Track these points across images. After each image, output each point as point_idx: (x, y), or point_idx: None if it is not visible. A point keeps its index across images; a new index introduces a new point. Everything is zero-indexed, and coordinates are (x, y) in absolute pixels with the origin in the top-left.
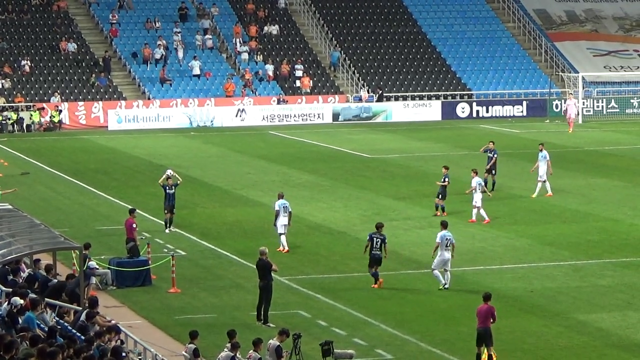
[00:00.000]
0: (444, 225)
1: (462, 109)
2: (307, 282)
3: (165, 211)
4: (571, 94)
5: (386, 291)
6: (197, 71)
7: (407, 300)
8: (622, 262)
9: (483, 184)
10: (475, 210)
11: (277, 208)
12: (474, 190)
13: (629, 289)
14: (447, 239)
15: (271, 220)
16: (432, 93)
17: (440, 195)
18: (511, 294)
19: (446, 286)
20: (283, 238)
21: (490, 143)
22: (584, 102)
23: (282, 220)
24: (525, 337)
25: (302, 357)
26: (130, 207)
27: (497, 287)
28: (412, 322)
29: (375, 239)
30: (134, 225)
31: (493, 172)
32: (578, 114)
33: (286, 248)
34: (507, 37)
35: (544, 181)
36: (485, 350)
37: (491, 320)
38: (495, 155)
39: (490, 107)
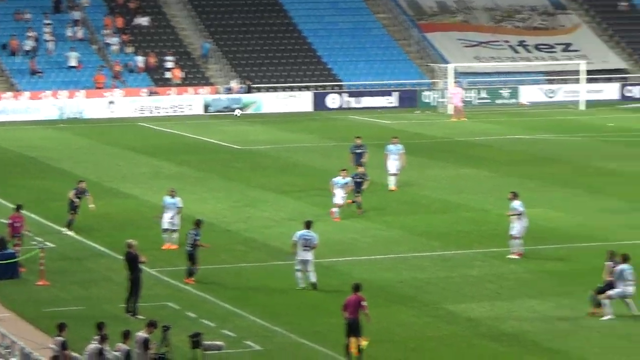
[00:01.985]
0: (306, 225)
1: (333, 100)
2: (176, 274)
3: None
4: (456, 82)
5: (256, 282)
6: (73, 62)
7: (277, 292)
8: (491, 252)
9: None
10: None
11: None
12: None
13: (498, 279)
14: (305, 238)
15: (141, 212)
16: (302, 84)
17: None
18: (381, 284)
19: (313, 284)
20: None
21: (357, 139)
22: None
23: (169, 217)
24: (394, 328)
25: (171, 349)
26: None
27: (366, 278)
28: (281, 313)
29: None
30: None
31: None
32: (462, 104)
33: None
34: (378, 27)
35: (394, 174)
36: (355, 341)
37: (361, 311)
38: (364, 151)
39: (360, 98)
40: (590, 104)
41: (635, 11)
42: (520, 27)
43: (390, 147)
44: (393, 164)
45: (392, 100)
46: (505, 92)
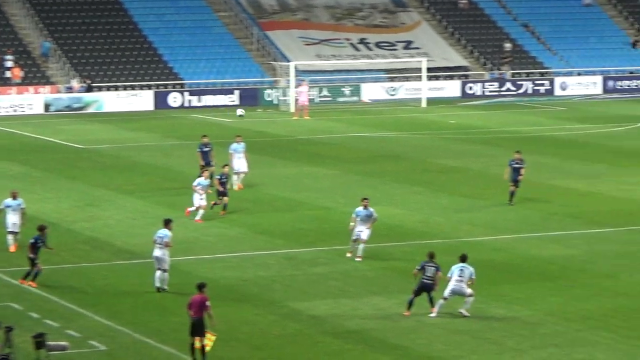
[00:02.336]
0: (164, 223)
1: (174, 99)
2: (19, 274)
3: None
4: (303, 80)
5: (100, 282)
6: None
7: (121, 291)
8: (335, 250)
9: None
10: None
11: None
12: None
13: (343, 277)
14: (159, 236)
15: None
16: (143, 83)
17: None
18: (225, 283)
19: (165, 288)
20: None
21: (204, 138)
22: (296, 91)
23: (12, 218)
24: (239, 326)
25: (15, 350)
26: None
27: (210, 277)
28: (125, 312)
29: None
30: None
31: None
32: (308, 102)
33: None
34: (219, 26)
35: (240, 173)
36: (199, 340)
37: (205, 311)
38: (211, 149)
39: (202, 97)
40: (432, 101)
41: (475, 9)
42: (361, 25)
43: (235, 145)
44: (238, 163)
45: (233, 99)
46: (347, 90)
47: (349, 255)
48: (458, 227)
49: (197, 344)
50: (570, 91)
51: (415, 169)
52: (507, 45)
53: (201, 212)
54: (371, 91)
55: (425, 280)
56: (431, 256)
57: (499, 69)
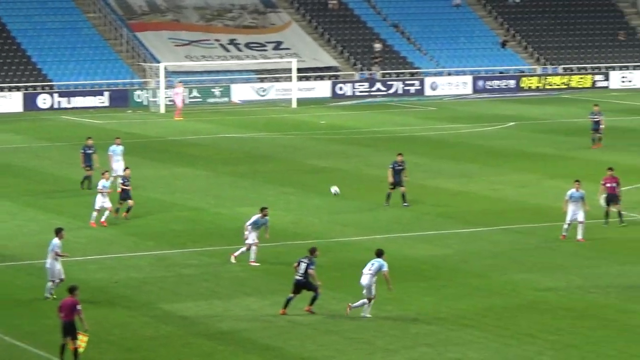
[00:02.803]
0: (55, 232)
1: (44, 100)
2: None
3: None
4: (180, 82)
5: None
6: None
7: None
8: (207, 251)
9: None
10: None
11: None
12: None
13: (214, 278)
14: (50, 246)
15: None
16: (12, 84)
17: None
18: (96, 285)
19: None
20: None
21: (89, 140)
22: (166, 92)
23: None
24: (111, 329)
25: None
26: None
27: (82, 278)
28: None
29: None
30: None
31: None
32: (184, 102)
33: None
34: (88, 27)
35: (118, 175)
36: (71, 342)
37: (76, 314)
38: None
39: (71, 98)
40: (302, 101)
41: (344, 9)
42: (231, 26)
43: (114, 147)
44: (117, 165)
45: (103, 100)
46: (217, 91)
47: (233, 260)
48: (330, 228)
49: (70, 345)
50: (441, 91)
51: (286, 169)
52: (377, 46)
53: (106, 213)
54: (241, 92)
55: (296, 276)
56: (311, 252)
57: (369, 69)
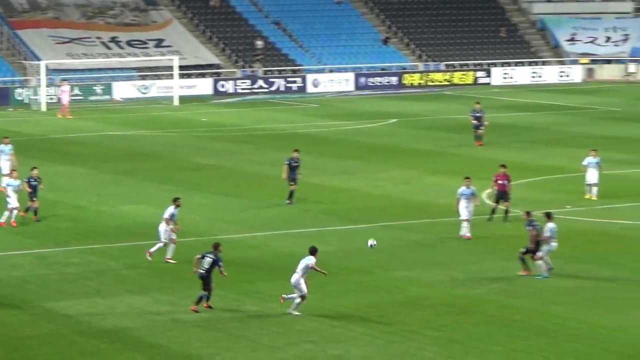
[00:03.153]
0: None
1: None
2: None
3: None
4: (64, 80)
5: None
6: None
7: None
8: (90, 249)
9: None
10: None
11: None
12: None
13: (97, 276)
14: None
15: None
16: None
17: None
18: None
19: None
20: None
21: (5, 139)
22: (47, 90)
23: None
24: None
25: None
26: None
27: None
28: None
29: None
30: None
31: None
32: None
33: None
34: None
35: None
36: None
37: None
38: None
39: None
40: (184, 99)
41: (226, 6)
42: (112, 24)
43: (1, 147)
44: (5, 165)
45: None
46: (98, 89)
47: (149, 257)
48: (213, 225)
49: None
50: (323, 88)
51: (168, 167)
52: (259, 43)
53: (14, 212)
54: (123, 90)
55: (199, 271)
56: (215, 247)
57: (250, 67)
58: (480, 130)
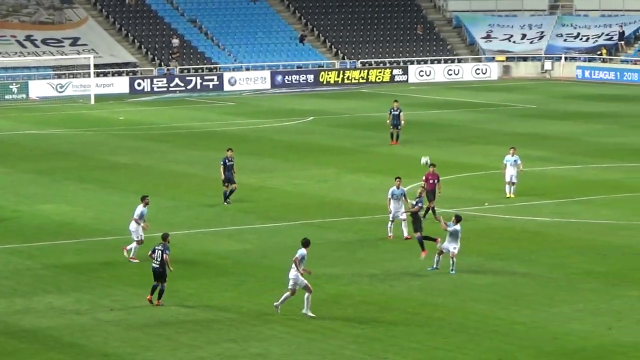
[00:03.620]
0: None
1: None
2: None
3: None
4: None
5: None
6: None
7: None
8: (7, 248)
9: None
10: None
11: None
12: None
13: (15, 276)
14: None
15: None
16: None
17: None
18: None
19: None
20: None
21: None
22: None
23: None
24: None
25: None
26: None
27: None
28: None
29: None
30: None
31: None
32: None
33: None
34: None
35: None
36: None
37: None
38: None
39: None
40: (100, 98)
41: (142, 5)
42: (27, 22)
43: None
44: None
45: None
46: (14, 88)
47: (126, 254)
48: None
49: None
50: (239, 86)
51: (85, 166)
52: (175, 41)
53: None
54: (39, 88)
55: (153, 264)
56: (163, 238)
57: (167, 65)
58: (397, 130)
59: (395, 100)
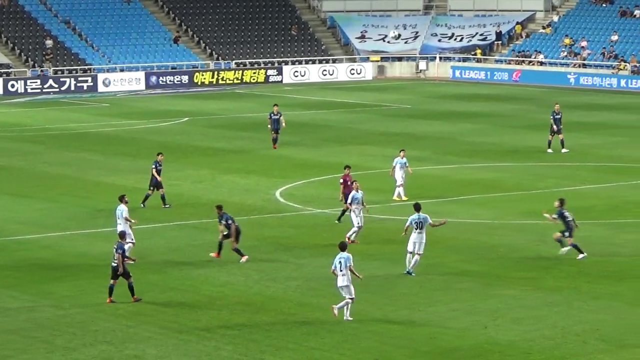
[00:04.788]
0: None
1: None
2: None
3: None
4: None
5: None
6: None
7: None
8: None
9: None
10: None
11: None
12: None
13: None
14: None
15: None
16: None
17: None
18: None
19: None
20: None
21: None
22: None
23: None
24: None
25: None
26: None
27: None
28: None
29: None
30: None
31: None
32: None
33: None
34: None
35: None
36: None
37: None
38: None
39: None
40: None
41: (15, 5)
42: None
43: None
44: None
45: None
46: None
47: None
48: (4, 226)
49: None
50: (114, 87)
51: None
52: (49, 42)
53: None
54: None
55: (112, 263)
56: (120, 236)
57: (40, 66)
58: (277, 134)
59: (275, 105)
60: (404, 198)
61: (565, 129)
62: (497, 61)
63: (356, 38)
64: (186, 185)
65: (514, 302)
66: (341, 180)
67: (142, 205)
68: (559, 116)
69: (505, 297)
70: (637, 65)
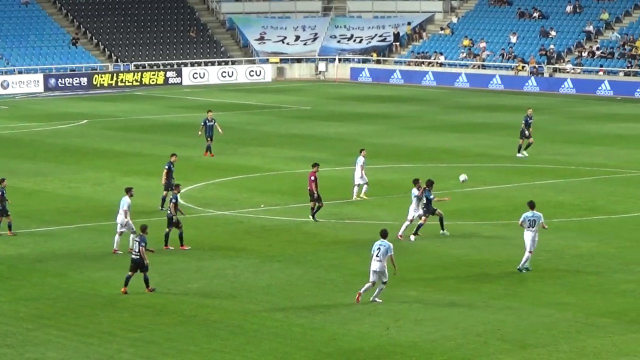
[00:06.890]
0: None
1: None
2: None
3: None
4: None
5: None
6: None
7: None
8: None
9: None
10: None
11: None
12: None
13: None
14: None
15: None
16: None
17: None
18: None
19: None
20: None
21: None
22: None
23: None
24: None
25: None
26: None
27: None
28: None
29: None
30: None
31: None
32: None
33: None
34: None
35: None
36: None
37: None
38: None
39: None
40: None
41: None
42: None
43: None
44: None
45: None
46: None
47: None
48: None
49: None
50: (12, 90)
51: None
52: None
53: None
54: None
55: (132, 256)
56: (142, 229)
57: None
58: (212, 141)
59: (209, 110)
60: (363, 197)
61: (467, 129)
62: (396, 62)
63: (255, 40)
64: (86, 188)
65: (415, 303)
66: (312, 178)
67: (161, 208)
68: (531, 120)
69: (407, 298)
70: (536, 65)
